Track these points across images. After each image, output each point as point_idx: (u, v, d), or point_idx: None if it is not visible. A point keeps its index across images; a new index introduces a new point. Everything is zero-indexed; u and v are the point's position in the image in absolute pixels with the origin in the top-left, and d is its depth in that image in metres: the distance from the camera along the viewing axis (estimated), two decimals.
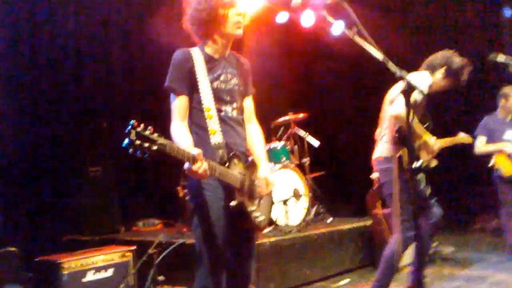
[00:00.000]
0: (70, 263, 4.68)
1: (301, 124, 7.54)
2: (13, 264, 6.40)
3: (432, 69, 4.52)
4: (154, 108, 7.90)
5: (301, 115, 7.46)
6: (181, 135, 3.11)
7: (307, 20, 8.17)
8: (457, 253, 6.87)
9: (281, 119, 7.47)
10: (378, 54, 3.08)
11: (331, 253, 6.33)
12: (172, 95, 3.21)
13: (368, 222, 6.83)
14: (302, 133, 7.35)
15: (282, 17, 8.57)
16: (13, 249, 6.41)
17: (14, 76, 7.20)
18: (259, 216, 3.24)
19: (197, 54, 3.24)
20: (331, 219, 7.08)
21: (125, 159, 7.42)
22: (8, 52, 7.14)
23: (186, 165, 2.88)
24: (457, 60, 4.47)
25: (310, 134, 7.42)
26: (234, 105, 3.31)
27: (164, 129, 2.97)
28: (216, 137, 3.17)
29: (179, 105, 3.19)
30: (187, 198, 6.68)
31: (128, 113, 7.96)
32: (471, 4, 8.50)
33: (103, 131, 7.40)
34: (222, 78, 3.29)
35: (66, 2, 7.69)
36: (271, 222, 6.02)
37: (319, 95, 9.73)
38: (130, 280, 5.01)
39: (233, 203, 3.09)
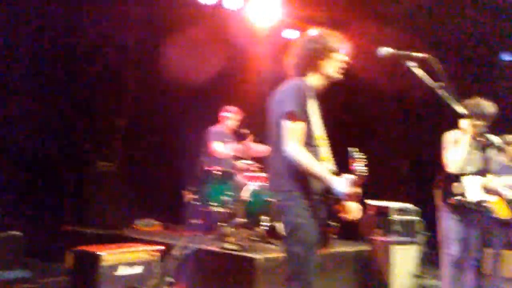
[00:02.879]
0: (108, 255, 4.80)
1: None
2: (17, 248, 6.46)
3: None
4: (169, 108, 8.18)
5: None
6: (315, 161, 3.32)
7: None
8: None
9: None
10: (462, 110, 3.47)
11: (331, 274, 6.40)
12: (290, 120, 3.34)
13: (365, 248, 7.02)
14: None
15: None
16: (17, 233, 6.47)
17: (35, 70, 7.31)
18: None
19: (307, 87, 3.49)
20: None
21: (136, 157, 7.60)
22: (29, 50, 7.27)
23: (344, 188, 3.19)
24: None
25: None
26: None
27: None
28: (327, 164, 3.46)
29: (301, 130, 3.35)
30: (194, 202, 6.87)
31: (144, 114, 8.15)
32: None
33: (118, 128, 7.53)
34: (318, 111, 3.58)
35: None
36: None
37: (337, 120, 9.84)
38: (155, 278, 5.16)
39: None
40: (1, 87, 7.14)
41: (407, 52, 3.56)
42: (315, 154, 3.39)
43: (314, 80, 3.58)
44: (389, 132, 9.88)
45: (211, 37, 8.57)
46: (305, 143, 3.36)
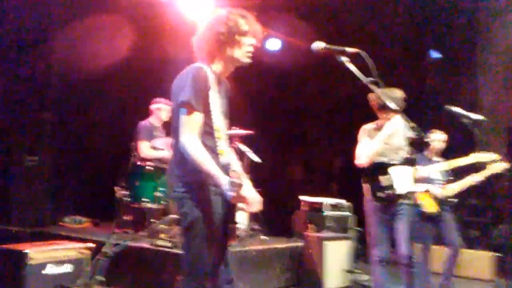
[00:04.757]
0: (35, 254, 4.61)
1: (243, 141, 7.68)
2: None
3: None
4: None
5: (245, 131, 7.33)
6: (208, 155, 3.15)
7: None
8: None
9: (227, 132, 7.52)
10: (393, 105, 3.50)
11: (263, 270, 6.48)
12: (186, 110, 3.18)
13: (298, 243, 7.07)
14: (244, 148, 7.49)
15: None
16: None
17: None
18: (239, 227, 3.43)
19: (209, 73, 3.31)
20: (265, 237, 7.20)
21: (63, 152, 7.38)
22: None
23: (230, 190, 3.01)
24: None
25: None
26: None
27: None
28: (225, 158, 3.31)
29: (197, 120, 3.20)
30: (125, 199, 6.72)
31: (71, 107, 7.91)
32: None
33: (45, 122, 7.29)
34: (223, 99, 3.44)
35: None
36: None
37: (266, 116, 9.90)
38: (86, 277, 5.01)
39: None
40: None
41: (340, 47, 3.51)
42: (214, 146, 3.29)
43: (221, 65, 3.42)
44: (319, 127, 9.97)
45: (141, 28, 8.44)
46: (204, 134, 3.24)
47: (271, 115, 9.83)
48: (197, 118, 3.20)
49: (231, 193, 3.01)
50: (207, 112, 3.26)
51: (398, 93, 5.02)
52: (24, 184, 7.03)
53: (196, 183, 3.21)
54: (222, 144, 3.34)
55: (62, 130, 7.90)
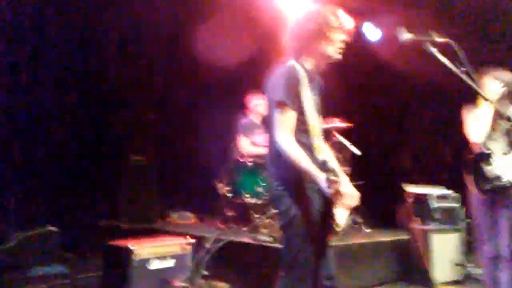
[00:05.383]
0: (140, 249, 4.78)
1: (342, 133, 7.59)
2: (54, 243, 6.54)
3: None
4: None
5: (344, 124, 7.24)
6: (303, 153, 3.16)
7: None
8: None
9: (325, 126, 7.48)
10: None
11: (369, 264, 6.38)
12: (280, 109, 3.22)
13: (404, 236, 6.89)
14: (344, 141, 7.41)
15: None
16: (53, 228, 6.55)
17: (66, 65, 7.39)
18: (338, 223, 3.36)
19: (301, 71, 3.31)
20: (369, 230, 7.09)
21: (168, 150, 7.61)
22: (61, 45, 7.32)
23: (328, 187, 2.97)
24: None
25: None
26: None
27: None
28: (321, 154, 3.28)
29: (291, 119, 3.22)
30: (229, 195, 6.83)
31: (173, 106, 8.14)
32: None
33: (149, 122, 7.55)
34: (316, 96, 3.42)
35: None
36: None
37: (364, 107, 9.75)
38: (188, 271, 5.14)
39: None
40: (35, 82, 7.23)
41: (428, 37, 3.42)
42: (309, 143, 3.28)
43: (312, 62, 3.41)
44: (429, 116, 9.63)
45: (238, 23, 8.49)
46: (299, 131, 3.24)
47: (374, 105, 9.64)
48: (291, 116, 3.22)
49: (329, 190, 2.99)
50: (301, 110, 3.26)
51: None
52: (132, 183, 7.30)
53: (293, 181, 3.22)
54: (318, 141, 3.33)
55: (165, 128, 8.16)
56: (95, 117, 7.70)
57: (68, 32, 7.52)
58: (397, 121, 9.60)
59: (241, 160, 6.93)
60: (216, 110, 8.44)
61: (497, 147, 4.77)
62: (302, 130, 3.27)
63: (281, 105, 3.21)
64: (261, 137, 7.03)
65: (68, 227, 6.87)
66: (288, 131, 3.20)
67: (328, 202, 3.19)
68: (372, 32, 8.97)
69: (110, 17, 7.84)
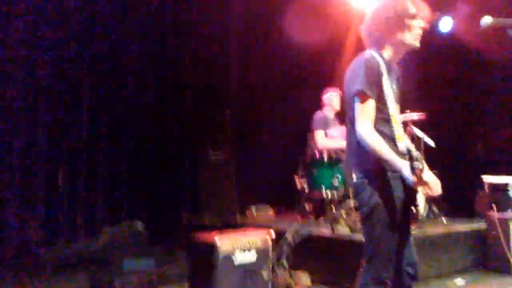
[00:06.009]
0: (223, 243, 4.91)
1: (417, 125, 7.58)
2: (141, 237, 6.87)
3: None
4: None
5: (418, 115, 7.14)
6: (384, 142, 3.18)
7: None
8: None
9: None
10: None
11: (446, 252, 6.44)
12: (360, 98, 3.24)
13: (481, 225, 6.89)
14: (419, 133, 7.41)
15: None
16: (140, 223, 6.88)
17: (148, 63, 7.73)
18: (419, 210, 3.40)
19: (380, 61, 3.32)
20: (444, 219, 7.00)
21: (245, 145, 7.83)
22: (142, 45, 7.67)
23: (411, 175, 2.99)
24: None
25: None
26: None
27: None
28: (403, 143, 3.30)
29: (372, 108, 3.24)
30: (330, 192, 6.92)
31: (249, 103, 8.36)
32: None
33: (226, 118, 7.79)
34: (394, 85, 3.43)
35: None
36: None
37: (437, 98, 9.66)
38: (270, 263, 5.29)
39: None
40: (117, 80, 7.57)
41: (510, 20, 3.26)
42: (391, 132, 3.29)
43: (391, 50, 3.41)
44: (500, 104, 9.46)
45: (312, 18, 8.60)
46: (380, 121, 3.25)
47: (449, 95, 9.54)
48: (372, 106, 3.23)
49: (412, 178, 3.00)
50: (381, 99, 3.28)
51: None
52: (211, 179, 7.56)
53: (374, 170, 3.25)
54: (398, 130, 3.33)
55: (242, 125, 8.38)
56: (177, 113, 7.99)
57: (150, 29, 7.83)
58: (476, 111, 9.47)
59: (316, 153, 7.07)
60: (291, 104, 8.59)
61: None
62: (382, 119, 3.28)
63: (361, 95, 3.22)
64: (336, 131, 7.15)
65: (154, 222, 7.19)
66: (369, 120, 3.22)
67: (410, 190, 3.22)
68: (444, 23, 8.91)
69: (184, 19, 8.13)
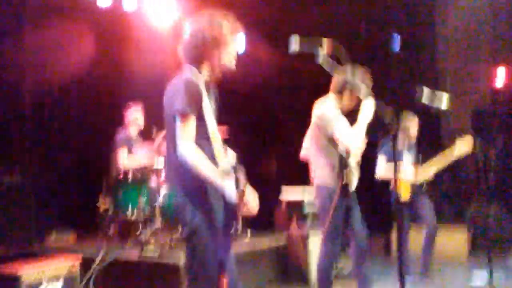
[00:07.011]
0: (27, 275, 4.66)
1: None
2: None
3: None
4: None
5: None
6: (207, 160, 3.19)
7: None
8: None
9: None
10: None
11: (252, 268, 6.59)
12: (181, 118, 3.23)
13: (281, 241, 7.20)
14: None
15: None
16: None
17: None
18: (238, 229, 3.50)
19: (200, 79, 3.34)
20: (248, 236, 7.05)
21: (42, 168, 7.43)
22: None
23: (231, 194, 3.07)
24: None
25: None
26: None
27: None
28: (224, 161, 3.30)
29: (193, 127, 3.24)
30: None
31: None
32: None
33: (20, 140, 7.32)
34: (213, 103, 3.45)
35: None
36: None
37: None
38: None
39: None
40: None
41: (317, 40, 3.57)
42: (212, 151, 3.31)
43: (209, 70, 3.45)
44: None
45: (111, 38, 8.48)
46: (200, 139, 3.26)
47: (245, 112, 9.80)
48: (193, 125, 3.24)
49: (232, 197, 3.08)
50: (202, 118, 3.29)
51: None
52: (5, 205, 6.98)
53: (196, 189, 3.25)
54: (218, 148, 3.35)
55: (38, 147, 7.90)
56: None
57: None
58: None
59: (120, 174, 6.90)
60: (93, 120, 8.31)
61: None
62: (204, 138, 3.29)
63: (182, 114, 3.22)
64: (140, 149, 7.07)
65: None
66: (191, 139, 3.22)
67: (231, 209, 3.28)
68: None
69: None
